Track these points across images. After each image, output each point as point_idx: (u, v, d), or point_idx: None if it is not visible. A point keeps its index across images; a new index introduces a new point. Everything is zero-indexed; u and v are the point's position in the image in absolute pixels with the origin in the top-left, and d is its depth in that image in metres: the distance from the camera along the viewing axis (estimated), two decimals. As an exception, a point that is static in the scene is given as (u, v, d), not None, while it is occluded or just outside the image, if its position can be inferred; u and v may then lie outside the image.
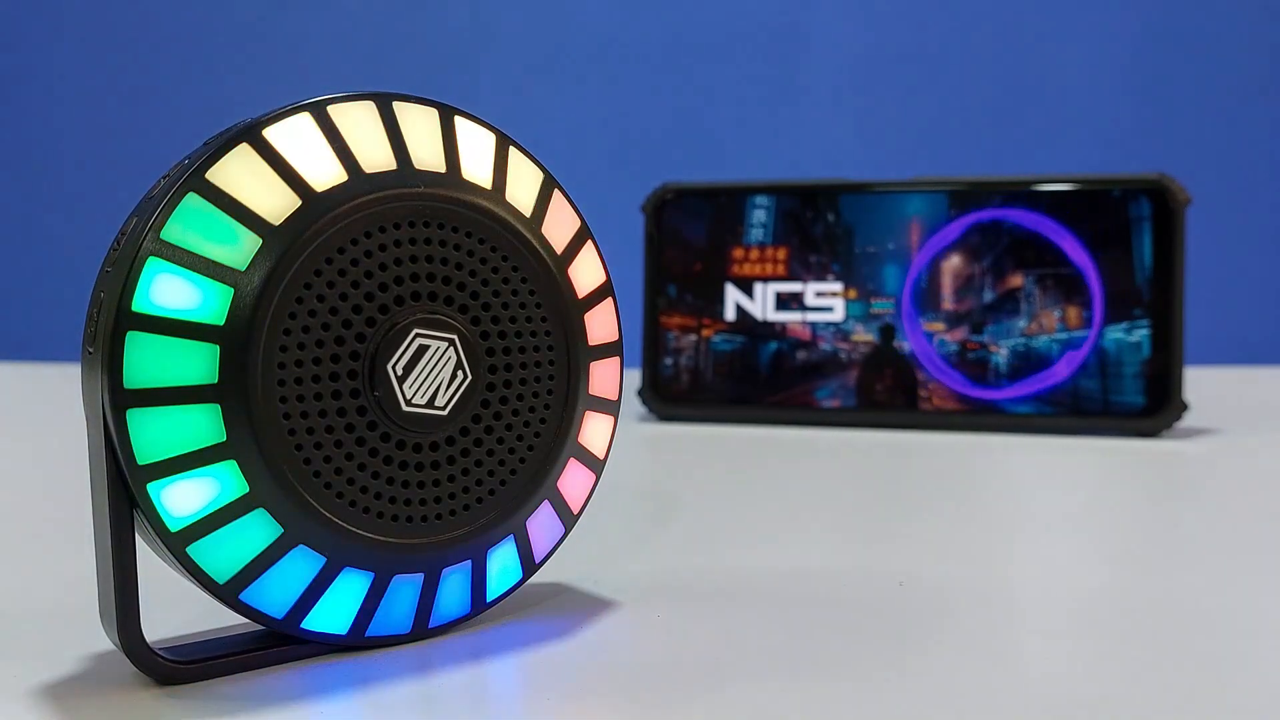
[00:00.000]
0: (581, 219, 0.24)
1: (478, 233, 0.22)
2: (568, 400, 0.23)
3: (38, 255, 1.14)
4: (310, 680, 0.20)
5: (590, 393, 0.24)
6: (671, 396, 0.58)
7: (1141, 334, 0.52)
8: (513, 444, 0.23)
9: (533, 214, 0.23)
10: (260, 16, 1.10)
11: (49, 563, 0.29)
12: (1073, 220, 0.53)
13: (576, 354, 0.23)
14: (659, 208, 0.59)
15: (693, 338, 0.58)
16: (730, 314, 0.58)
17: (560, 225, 0.23)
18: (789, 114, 1.02)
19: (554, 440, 0.23)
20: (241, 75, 1.10)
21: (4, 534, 0.34)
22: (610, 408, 0.25)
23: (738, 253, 0.58)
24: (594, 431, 0.24)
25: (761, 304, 0.57)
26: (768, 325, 0.57)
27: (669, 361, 0.58)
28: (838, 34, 1.01)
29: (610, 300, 0.24)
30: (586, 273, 0.24)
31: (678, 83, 1.04)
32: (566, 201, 0.24)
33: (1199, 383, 0.61)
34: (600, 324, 0.24)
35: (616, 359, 0.25)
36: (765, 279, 0.57)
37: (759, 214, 0.58)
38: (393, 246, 0.21)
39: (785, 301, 0.57)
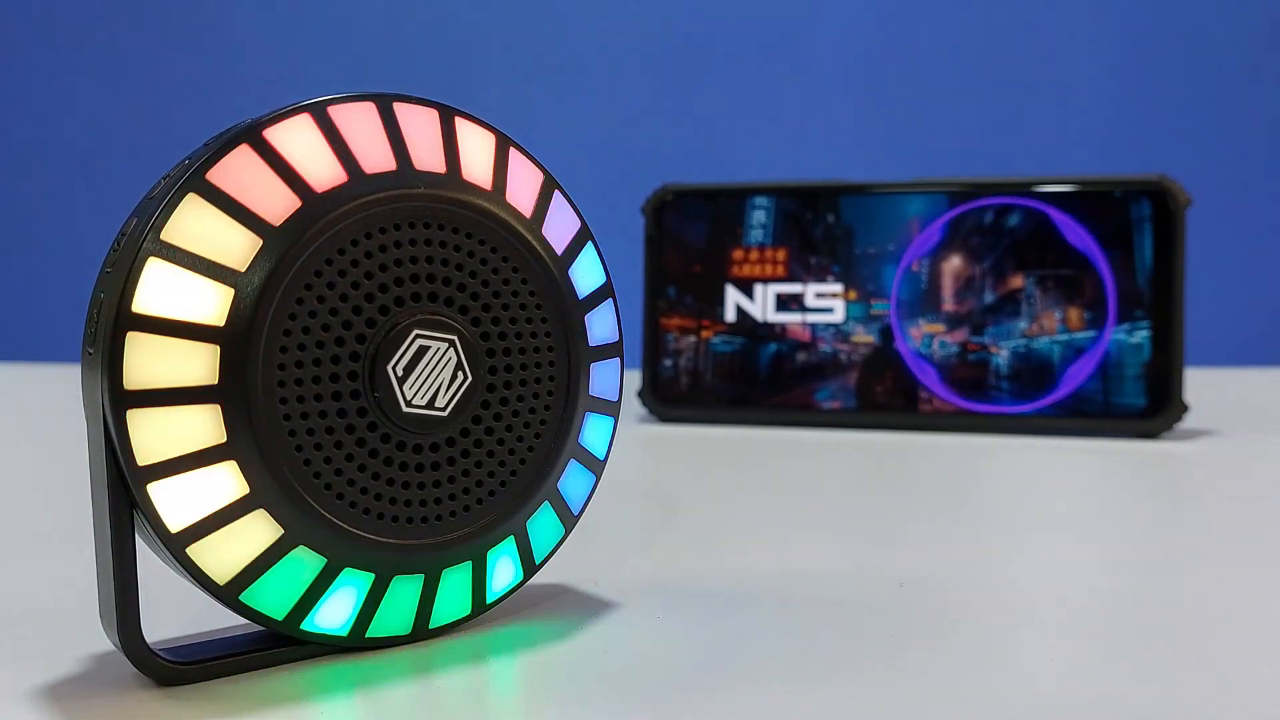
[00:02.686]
0: (582, 220, 0.24)
1: (478, 234, 0.22)
2: (568, 401, 0.23)
3: (38, 255, 1.14)
4: (310, 680, 0.20)
5: (590, 393, 0.24)
6: (671, 398, 0.58)
7: (1142, 335, 0.52)
8: (513, 445, 0.23)
9: (533, 215, 0.23)
10: (261, 16, 1.10)
11: (49, 563, 0.29)
12: (1073, 220, 0.53)
13: (577, 355, 0.23)
14: (659, 209, 0.59)
15: (692, 339, 0.58)
16: (730, 315, 0.58)
17: (560, 226, 0.23)
18: (789, 114, 1.02)
19: (554, 441, 0.23)
20: (242, 76, 1.10)
21: (4, 534, 0.34)
22: (610, 408, 0.25)
23: (737, 254, 0.58)
24: (594, 432, 0.24)
25: (761, 305, 0.57)
26: (768, 326, 0.57)
27: (668, 363, 0.58)
28: (838, 35, 1.01)
29: (611, 301, 0.24)
30: (587, 273, 0.24)
31: (678, 84, 1.04)
32: (567, 202, 0.24)
33: (1199, 383, 0.61)
34: (600, 325, 0.24)
35: (617, 360, 0.25)
36: (765, 280, 0.57)
37: (759, 215, 0.58)
38: (393, 247, 0.21)
39: (785, 303, 0.57)
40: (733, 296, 0.58)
